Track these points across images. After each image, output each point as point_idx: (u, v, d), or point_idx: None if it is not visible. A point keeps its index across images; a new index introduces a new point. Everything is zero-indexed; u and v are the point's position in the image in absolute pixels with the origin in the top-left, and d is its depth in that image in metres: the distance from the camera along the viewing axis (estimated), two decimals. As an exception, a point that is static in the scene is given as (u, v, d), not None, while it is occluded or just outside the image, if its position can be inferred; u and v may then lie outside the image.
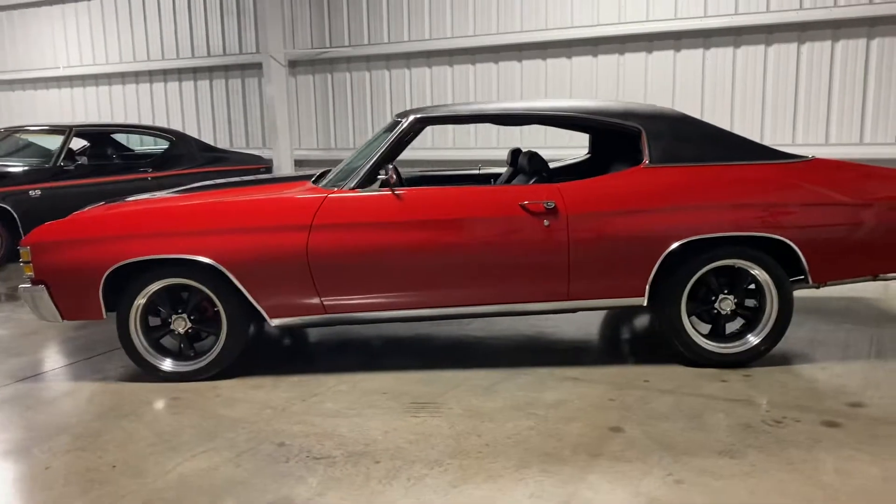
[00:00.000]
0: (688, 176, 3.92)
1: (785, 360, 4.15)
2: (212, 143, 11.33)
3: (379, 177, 3.91)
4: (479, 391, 3.79)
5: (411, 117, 4.06)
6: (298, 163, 10.86)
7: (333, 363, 4.36)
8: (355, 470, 2.97)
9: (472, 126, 9.55)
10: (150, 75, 12.22)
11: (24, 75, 13.61)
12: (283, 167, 10.41)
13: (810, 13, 7.71)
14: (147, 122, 12.20)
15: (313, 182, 4.19)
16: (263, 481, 2.90)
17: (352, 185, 3.96)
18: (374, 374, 4.07)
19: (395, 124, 4.13)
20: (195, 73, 11.79)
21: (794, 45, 7.89)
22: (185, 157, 8.85)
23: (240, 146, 11.38)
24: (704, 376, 3.91)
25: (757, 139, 8.01)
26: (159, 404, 3.74)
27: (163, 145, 9.15)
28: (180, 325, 4.02)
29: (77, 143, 9.11)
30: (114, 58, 12.57)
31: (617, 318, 5.10)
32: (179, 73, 11.95)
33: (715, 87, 8.28)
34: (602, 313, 5.14)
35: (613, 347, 4.57)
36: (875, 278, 4.11)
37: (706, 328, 4.09)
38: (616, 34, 8.58)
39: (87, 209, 4.37)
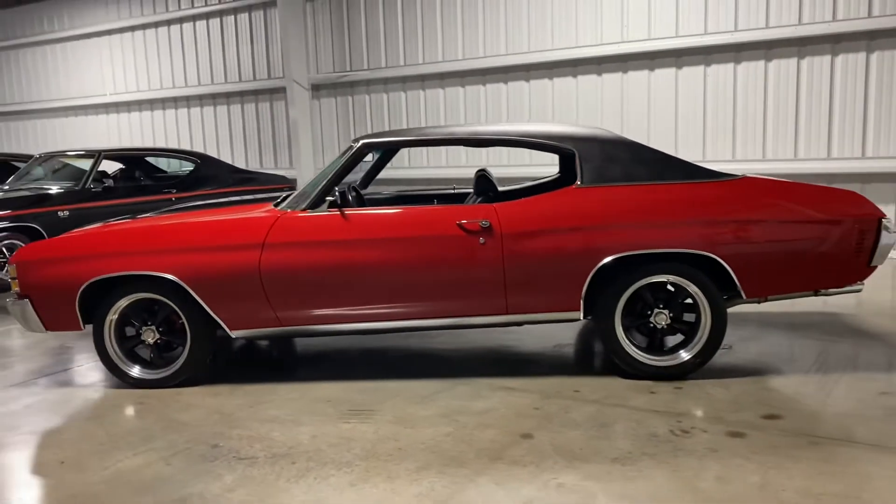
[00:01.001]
0: (617, 195, 4.08)
1: (724, 372, 4.25)
2: (243, 165, 11.88)
3: (327, 198, 4.20)
4: (416, 400, 4.01)
5: (359, 143, 4.35)
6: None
7: (295, 373, 4.64)
8: (271, 470, 3.23)
9: (442, 148, 10.04)
10: (188, 101, 12.87)
11: (76, 102, 14.48)
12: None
13: (809, 28, 7.71)
14: (185, 144, 12.84)
15: (274, 204, 4.50)
16: (185, 478, 3.19)
17: (303, 206, 4.26)
18: (326, 384, 4.33)
19: (348, 149, 4.42)
20: (228, 97, 12.37)
21: (793, 61, 7.89)
22: (210, 178, 9.33)
23: (269, 167, 11.87)
24: (636, 388, 4.05)
25: (759, 154, 8.06)
26: (123, 408, 4.09)
27: (188, 167, 9.66)
28: (149, 336, 4.37)
29: (114, 167, 9.74)
30: (154, 84, 13.29)
31: (576, 330, 5.25)
32: (214, 98, 12.56)
33: (716, 103, 8.33)
34: (568, 325, 5.29)
35: (561, 359, 4.72)
36: (816, 293, 4.18)
37: (647, 342, 4.23)
38: (619, 53, 8.72)
39: (79, 229, 4.78)
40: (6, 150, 15.26)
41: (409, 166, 10.56)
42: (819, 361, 4.40)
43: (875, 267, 4.10)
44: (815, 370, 4.24)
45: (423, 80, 10.29)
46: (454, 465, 3.19)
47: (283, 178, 10.22)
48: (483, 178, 4.71)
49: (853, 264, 4.04)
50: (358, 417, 3.80)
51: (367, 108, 10.90)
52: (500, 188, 5.04)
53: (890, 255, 4.16)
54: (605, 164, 4.13)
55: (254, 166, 11.88)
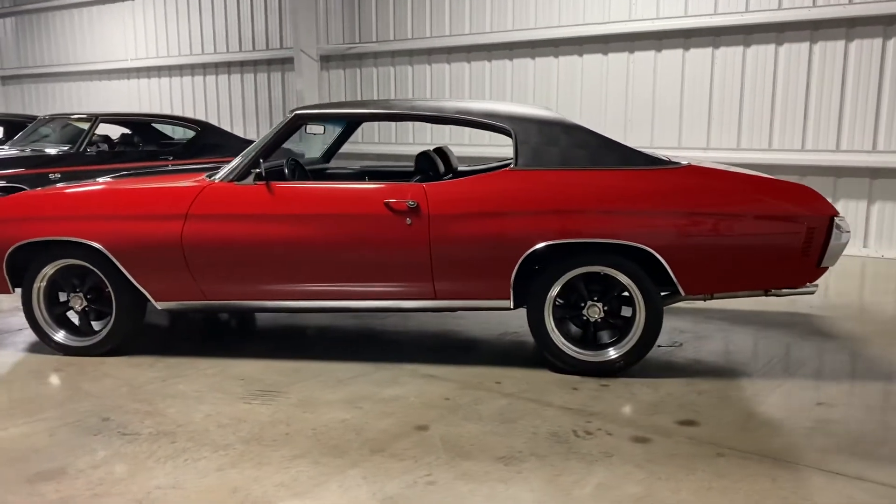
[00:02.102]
0: (551, 180, 3.86)
1: (661, 370, 4.03)
2: (253, 136, 11.83)
3: (253, 170, 4.07)
4: (331, 383, 3.88)
5: (291, 114, 4.19)
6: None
7: (227, 348, 4.54)
8: (147, 448, 3.14)
9: (409, 124, 10.09)
10: (204, 68, 12.85)
11: (100, 66, 14.61)
12: (312, 159, 10.71)
13: (823, 10, 7.27)
14: (200, 112, 12.86)
15: (207, 175, 4.38)
16: (58, 451, 3.11)
17: (230, 177, 4.13)
18: (250, 361, 4.23)
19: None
20: (242, 66, 12.31)
21: (805, 45, 7.46)
22: (212, 146, 9.28)
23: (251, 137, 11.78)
24: (560, 383, 3.85)
25: (765, 143, 7.69)
26: (39, 375, 4.04)
27: (191, 135, 9.63)
28: (77, 302, 4.32)
29: (123, 132, 9.76)
30: (173, 51, 13.31)
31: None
32: (229, 67, 12.51)
33: (724, 87, 7.94)
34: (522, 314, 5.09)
35: (501, 348, 4.52)
36: (766, 293, 3.91)
37: (581, 335, 4.02)
38: (626, 31, 8.36)
39: (17, 193, 4.74)
40: (38, 111, 15.50)
41: (378, 142, 10.63)
42: (769, 365, 4.14)
43: (826, 268, 3.81)
44: (760, 374, 3.98)
45: (430, 55, 10.06)
46: (332, 455, 3.05)
47: (287, 150, 10.13)
48: (424, 157, 4.52)
49: (801, 265, 3.76)
50: (262, 398, 3.68)
51: (375, 82, 10.73)
52: (460, 168, 4.86)
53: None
54: (542, 146, 3.91)
55: (258, 136, 11.80)
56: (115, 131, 9.56)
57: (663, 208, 3.74)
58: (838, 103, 7.34)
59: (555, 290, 3.93)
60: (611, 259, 3.83)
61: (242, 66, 12.30)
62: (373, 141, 10.53)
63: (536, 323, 3.96)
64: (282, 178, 4.34)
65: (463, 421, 3.39)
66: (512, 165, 3.92)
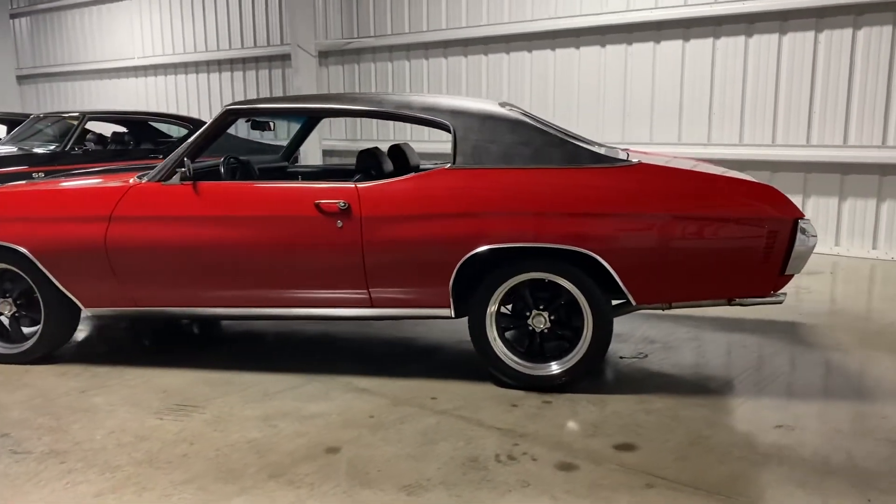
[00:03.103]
0: (489, 180, 3.56)
1: (615, 385, 3.72)
2: (247, 135, 11.64)
3: (178, 170, 3.84)
4: (256, 397, 3.64)
5: (223, 110, 3.95)
6: (326, 153, 10.96)
7: (164, 356, 4.32)
8: (33, 468, 2.92)
9: (371, 120, 9.86)
10: (208, 65, 12.73)
11: (108, 65, 14.58)
12: (311, 158, 10.52)
13: (829, -3, 6.84)
14: (204, 111, 12.73)
15: (139, 176, 4.16)
16: (-62, 471, 2.91)
17: (156, 177, 3.91)
18: (180, 371, 4.00)
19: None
20: (244, 63, 12.15)
21: (811, 34, 7.02)
22: None
23: (269, 137, 11.57)
24: (500, 399, 3.56)
25: (768, 138, 7.28)
26: (-42, 385, 3.87)
27: (182, 133, 9.49)
28: (5, 308, 4.14)
29: (119, 130, 9.65)
30: (178, 48, 13.21)
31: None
32: (231, 63, 12.36)
33: (725, 79, 7.53)
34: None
35: (452, 357, 4.22)
36: (730, 303, 3.57)
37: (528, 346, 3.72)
38: (623, 22, 8.00)
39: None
40: (52, 109, 15.56)
41: (360, 139, 10.56)
42: (737, 380, 3.79)
43: (790, 276, 3.45)
44: (723, 390, 3.65)
45: (427, 49, 9.78)
46: (224, 481, 2.80)
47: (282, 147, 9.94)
48: (366, 155, 4.25)
49: (762, 272, 3.41)
50: (176, 413, 3.45)
51: (373, 77, 10.48)
52: (424, 166, 4.57)
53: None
54: (483, 143, 3.61)
55: (255, 135, 11.62)
56: (116, 130, 9.45)
57: (609, 210, 3.42)
58: (845, 96, 6.90)
59: (497, 298, 3.63)
60: (555, 265, 3.52)
61: (244, 62, 12.14)
62: (341, 137, 10.51)
63: (477, 333, 3.67)
64: (217, 177, 4.11)
65: (380, 442, 3.11)
66: (450, 164, 3.63)
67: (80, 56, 15.26)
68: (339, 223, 3.64)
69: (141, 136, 9.62)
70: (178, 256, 3.79)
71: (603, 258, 3.41)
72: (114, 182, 4.02)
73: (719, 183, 3.48)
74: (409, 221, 3.58)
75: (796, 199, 7.27)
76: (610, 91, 8.27)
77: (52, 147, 8.46)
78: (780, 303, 3.56)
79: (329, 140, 11.00)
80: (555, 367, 3.60)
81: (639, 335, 4.54)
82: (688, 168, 3.64)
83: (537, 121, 3.83)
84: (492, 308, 3.64)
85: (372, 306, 3.77)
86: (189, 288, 3.85)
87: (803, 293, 5.58)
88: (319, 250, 3.68)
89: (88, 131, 9.14)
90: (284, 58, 11.34)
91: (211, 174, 4.12)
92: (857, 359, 4.10)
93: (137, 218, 3.83)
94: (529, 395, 3.59)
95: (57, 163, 8.18)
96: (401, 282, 3.67)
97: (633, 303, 3.52)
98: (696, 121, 7.72)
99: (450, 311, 3.69)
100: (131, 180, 3.99)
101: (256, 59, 11.96)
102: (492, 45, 9.14)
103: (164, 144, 9.35)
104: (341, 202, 3.63)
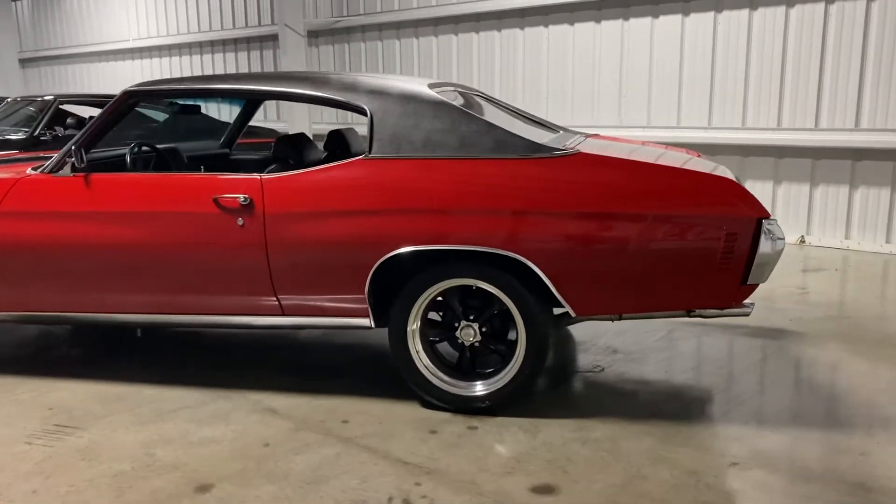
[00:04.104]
0: (408, 172, 3.08)
1: (558, 406, 3.24)
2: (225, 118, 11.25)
3: (68, 160, 3.42)
4: (147, 418, 3.23)
5: (121, 92, 3.52)
6: (317, 136, 10.49)
7: (76, 367, 3.93)
8: None
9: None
10: (200, 46, 12.35)
11: (105, 47, 14.27)
12: (300, 141, 10.08)
13: (841, -36, 6.20)
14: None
15: (35, 167, 3.74)
16: None
17: (49, 168, 3.50)
18: (80, 384, 3.61)
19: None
20: (235, 43, 11.75)
21: (821, 6, 6.39)
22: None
23: (258, 120, 11.17)
24: (420, 423, 3.11)
25: (773, 121, 6.68)
26: None
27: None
28: None
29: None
30: (172, 30, 12.84)
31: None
32: (224, 44, 11.97)
33: (727, 56, 6.92)
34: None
35: (383, 373, 3.78)
36: (689, 314, 3.06)
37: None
38: (619, -5, 7.42)
39: None
40: (56, 92, 15.31)
41: (338, 122, 10.07)
42: (694, 404, 3.30)
43: (754, 286, 2.93)
44: (681, 416, 3.15)
45: (417, 27, 9.26)
46: (62, 528, 2.40)
47: (271, 130, 9.52)
48: (285, 142, 3.80)
49: (719, 281, 2.90)
50: (51, 437, 3.05)
51: (363, 57, 10.00)
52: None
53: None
54: (402, 129, 3.13)
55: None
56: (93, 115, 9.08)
57: (538, 207, 2.93)
58: (858, 73, 6.26)
59: (420, 307, 3.17)
60: (483, 270, 3.05)
61: (236, 43, 11.74)
62: (346, 122, 9.89)
63: (397, 345, 3.21)
64: (122, 168, 3.69)
65: (262, 480, 2.68)
66: (366, 153, 3.16)
67: (80, 38, 14.97)
68: (241, 221, 3.19)
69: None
70: (66, 257, 3.39)
71: (533, 262, 2.93)
72: (4, 174, 3.62)
73: (667, 175, 2.96)
74: (318, 219, 3.12)
75: (803, 188, 6.68)
76: (605, 71, 7.71)
77: (21, 133, 8.13)
78: (747, 314, 3.04)
79: (319, 124, 10.54)
80: (479, 388, 3.14)
81: (602, 343, 4.05)
82: (632, 157, 3.11)
83: (472, 104, 3.35)
84: (413, 317, 3.18)
85: (284, 314, 3.34)
86: (80, 292, 3.46)
87: (799, 294, 5.03)
88: (219, 252, 3.25)
89: (69, 115, 8.80)
90: (274, 38, 10.90)
91: (115, 165, 3.70)
92: (847, 376, 3.58)
93: (23, 213, 3.44)
94: (455, 419, 3.14)
95: (30, 149, 7.84)
96: (311, 288, 3.23)
97: (573, 314, 3.03)
98: (695, 103, 7.14)
99: (368, 322, 3.24)
100: (28, 171, 3.59)
101: (248, 40, 11.54)
102: (483, 21, 8.60)
103: (148, 129, 8.98)
104: (242, 197, 3.19)
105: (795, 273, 5.61)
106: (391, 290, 3.21)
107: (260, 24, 11.25)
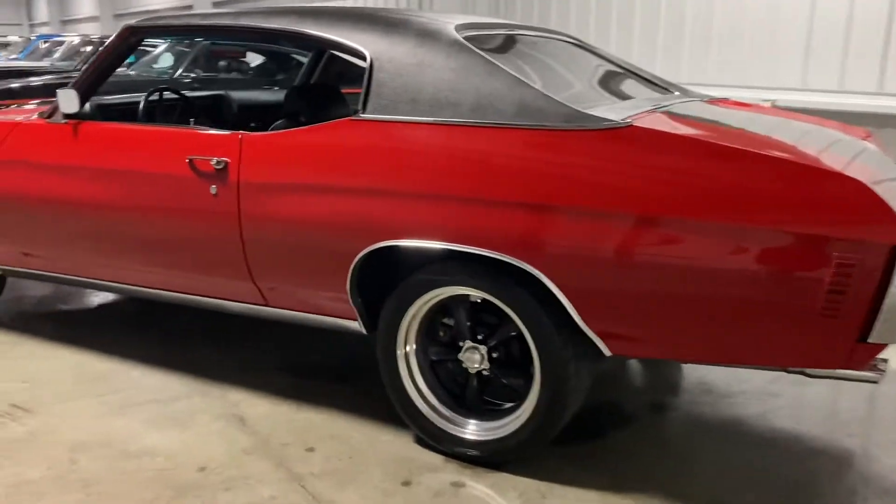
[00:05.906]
0: (404, 140, 2.32)
1: (587, 463, 2.39)
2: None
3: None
4: (109, 408, 2.81)
5: (122, 27, 3.03)
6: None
7: (75, 330, 3.63)
8: None
9: None
10: None
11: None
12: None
13: None
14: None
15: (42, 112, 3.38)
16: None
17: (44, 114, 3.12)
18: (70, 353, 3.30)
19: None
20: None
21: None
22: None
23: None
24: (399, 465, 2.41)
25: (834, 81, 5.04)
26: None
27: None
28: None
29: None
30: None
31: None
32: None
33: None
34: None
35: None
36: (786, 370, 2.08)
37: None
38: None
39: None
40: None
41: None
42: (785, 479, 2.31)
43: (879, 346, 1.88)
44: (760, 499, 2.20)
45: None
46: None
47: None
48: (299, 92, 3.13)
49: (823, 333, 1.88)
50: (10, 418, 2.71)
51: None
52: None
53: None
54: (405, 82, 2.36)
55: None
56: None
57: (558, 202, 2.06)
58: None
59: (415, 316, 2.44)
60: (491, 280, 2.25)
61: None
62: None
63: (386, 362, 2.51)
64: (132, 117, 3.26)
65: (163, 520, 2.13)
66: (360, 111, 2.42)
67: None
68: (214, 188, 2.61)
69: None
70: (46, 212, 3.03)
71: (546, 275, 2.08)
72: (12, 116, 3.29)
73: (754, 167, 1.92)
74: (293, 192, 2.47)
75: None
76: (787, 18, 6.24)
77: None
78: (875, 382, 2.00)
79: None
80: (470, 431, 2.37)
81: (696, 377, 3.09)
82: (715, 138, 2.09)
83: (521, 55, 2.52)
84: (405, 325, 2.45)
85: (266, 304, 2.74)
86: (56, 248, 3.12)
87: None
88: (191, 225, 2.71)
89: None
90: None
91: (125, 112, 3.27)
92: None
93: (13, 162, 3.10)
94: (444, 468, 2.40)
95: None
96: (290, 277, 2.60)
97: (606, 352, 2.16)
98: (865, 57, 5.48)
99: (358, 325, 2.56)
100: (34, 116, 3.23)
101: None
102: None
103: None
104: (215, 160, 2.60)
105: None
106: (391, 289, 2.49)
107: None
